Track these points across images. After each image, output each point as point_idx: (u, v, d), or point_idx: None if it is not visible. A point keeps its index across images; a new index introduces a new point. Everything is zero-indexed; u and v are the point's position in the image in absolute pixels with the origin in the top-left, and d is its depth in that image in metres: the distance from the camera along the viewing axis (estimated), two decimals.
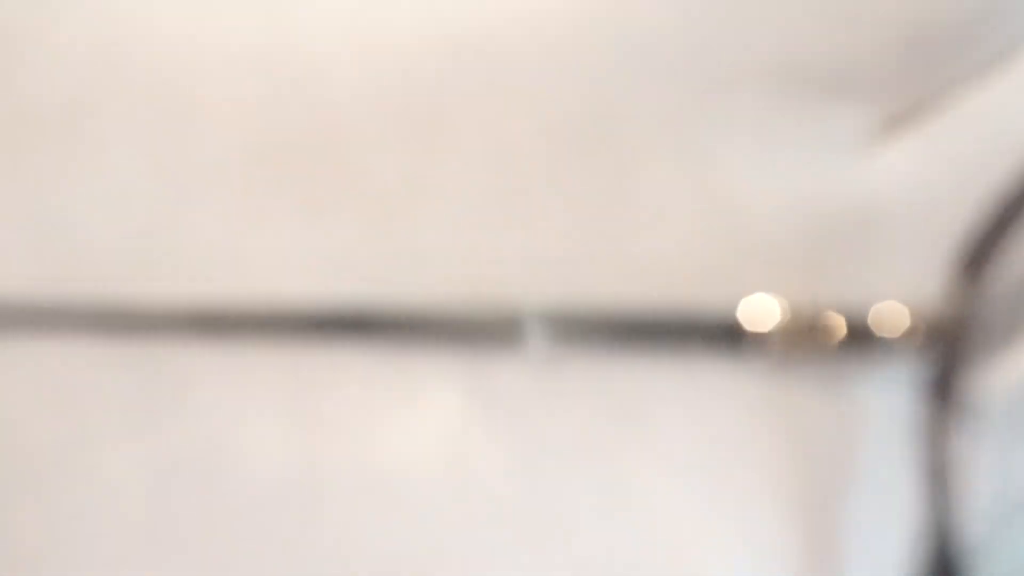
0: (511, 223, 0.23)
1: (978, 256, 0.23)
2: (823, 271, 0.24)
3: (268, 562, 0.22)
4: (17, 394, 0.20)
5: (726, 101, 0.24)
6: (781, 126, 0.25)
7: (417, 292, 0.23)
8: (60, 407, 0.21)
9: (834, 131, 0.25)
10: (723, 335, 0.23)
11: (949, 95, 0.26)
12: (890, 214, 0.25)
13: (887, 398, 0.24)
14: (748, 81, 0.25)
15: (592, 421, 0.23)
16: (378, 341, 0.22)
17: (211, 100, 0.22)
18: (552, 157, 0.23)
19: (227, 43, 0.22)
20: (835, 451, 0.24)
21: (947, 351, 0.23)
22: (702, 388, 0.23)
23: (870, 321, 0.23)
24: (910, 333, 0.23)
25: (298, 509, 0.22)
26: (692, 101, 0.24)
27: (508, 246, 0.23)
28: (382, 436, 0.22)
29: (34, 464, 0.21)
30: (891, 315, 0.23)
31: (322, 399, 0.22)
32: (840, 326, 0.23)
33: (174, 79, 0.22)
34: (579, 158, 0.23)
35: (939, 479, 0.22)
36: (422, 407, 0.23)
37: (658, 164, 0.24)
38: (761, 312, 0.23)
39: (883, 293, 0.24)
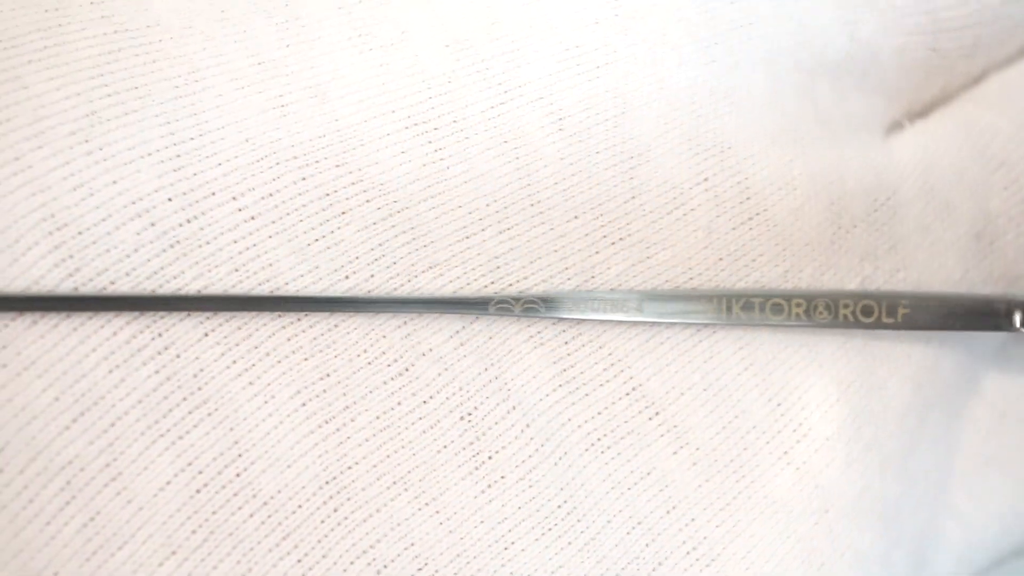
0: (522, 217, 0.23)
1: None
2: (842, 255, 0.24)
3: (297, 553, 0.22)
4: (33, 377, 0.21)
5: (740, 86, 0.24)
6: (798, 111, 0.25)
7: (428, 286, 0.23)
8: (80, 394, 0.21)
9: (852, 117, 0.25)
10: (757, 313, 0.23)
11: (969, 87, 0.26)
12: (909, 200, 0.25)
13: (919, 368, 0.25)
14: (763, 65, 0.25)
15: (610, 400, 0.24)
16: (397, 317, 0.23)
17: (228, 106, 0.22)
18: (563, 147, 0.23)
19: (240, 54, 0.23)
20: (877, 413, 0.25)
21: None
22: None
23: (881, 306, 0.23)
24: (917, 317, 0.23)
25: (328, 498, 0.22)
26: (706, 86, 0.24)
27: (518, 240, 0.23)
28: (404, 413, 0.23)
29: (58, 459, 0.21)
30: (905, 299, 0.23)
31: (340, 378, 0.22)
32: (856, 308, 0.23)
33: (194, 87, 0.22)
34: (591, 147, 0.23)
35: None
36: (432, 377, 0.23)
37: (672, 151, 0.24)
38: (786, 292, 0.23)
39: (902, 276, 0.25)
